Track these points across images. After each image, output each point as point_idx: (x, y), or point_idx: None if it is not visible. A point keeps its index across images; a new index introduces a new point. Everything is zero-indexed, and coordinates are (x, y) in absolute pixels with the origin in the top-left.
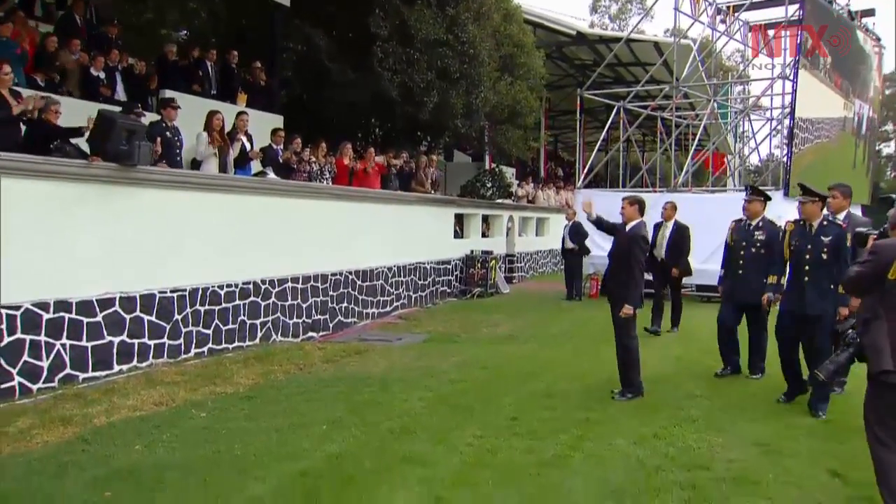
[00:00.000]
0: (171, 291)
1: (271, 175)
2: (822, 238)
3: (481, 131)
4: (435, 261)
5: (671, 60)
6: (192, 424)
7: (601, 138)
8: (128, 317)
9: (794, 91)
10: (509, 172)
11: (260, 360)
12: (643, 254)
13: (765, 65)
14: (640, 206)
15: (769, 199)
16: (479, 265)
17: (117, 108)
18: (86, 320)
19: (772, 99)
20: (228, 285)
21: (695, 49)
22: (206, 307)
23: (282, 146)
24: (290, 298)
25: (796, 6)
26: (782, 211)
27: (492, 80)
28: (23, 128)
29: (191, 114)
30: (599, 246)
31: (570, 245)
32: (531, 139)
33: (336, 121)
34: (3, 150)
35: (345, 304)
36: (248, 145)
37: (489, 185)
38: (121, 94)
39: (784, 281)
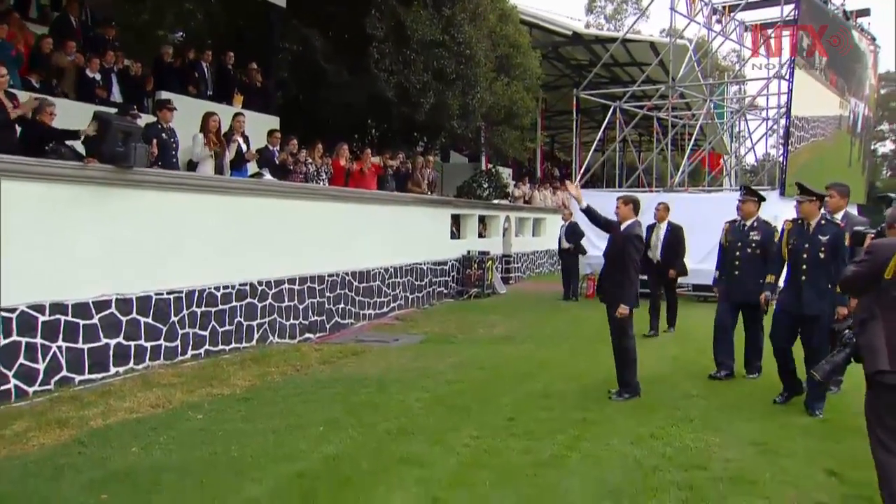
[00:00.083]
0: (168, 293)
1: (267, 176)
2: (820, 237)
3: (478, 132)
4: (432, 261)
5: (667, 60)
6: (189, 426)
7: (597, 138)
8: (124, 319)
9: (790, 90)
10: (506, 173)
11: (257, 362)
12: (638, 253)
13: (762, 65)
14: (635, 205)
15: (763, 199)
16: (475, 266)
17: (113, 110)
18: (82, 322)
19: (767, 98)
20: (225, 287)
21: (691, 49)
22: (203, 309)
23: (278, 147)
24: (286, 300)
25: (792, 6)
26: (779, 210)
27: (488, 80)
28: (17, 129)
29: (187, 115)
30: (595, 246)
31: (566, 245)
32: (528, 140)
33: (332, 122)
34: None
35: (341, 306)
36: (244, 147)
37: (486, 185)
38: (116, 95)
39: (781, 281)
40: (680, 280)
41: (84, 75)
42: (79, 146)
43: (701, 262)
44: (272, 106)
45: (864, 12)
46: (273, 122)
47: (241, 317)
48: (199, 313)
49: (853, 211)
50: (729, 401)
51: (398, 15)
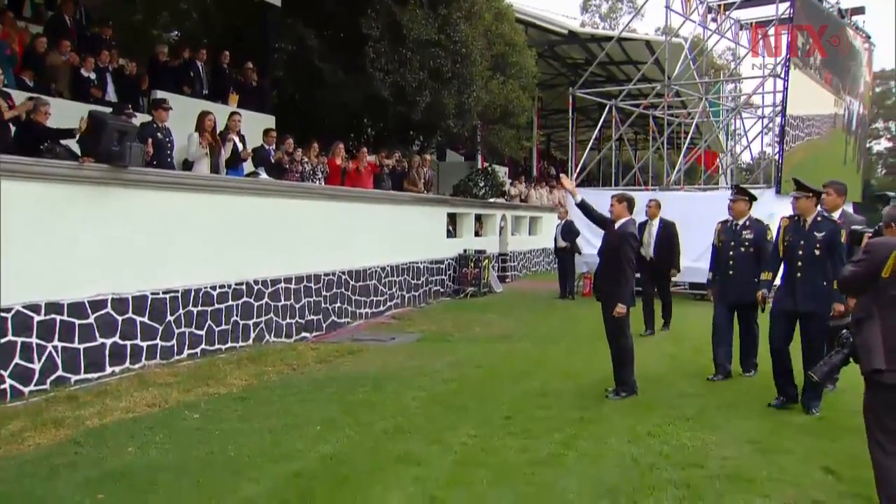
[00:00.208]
0: (164, 292)
1: (263, 175)
2: (816, 234)
3: (474, 131)
4: (428, 260)
5: (663, 59)
6: (185, 426)
7: (593, 137)
8: (120, 318)
9: (786, 89)
10: (502, 172)
11: (253, 361)
12: (633, 252)
13: (761, 64)
14: (629, 203)
15: (754, 198)
16: (472, 264)
17: (108, 110)
18: (77, 322)
19: (763, 97)
20: (221, 286)
21: (686, 47)
22: (199, 308)
23: (274, 146)
24: (283, 299)
25: (787, 4)
26: (774, 209)
27: (484, 79)
28: (12, 129)
29: (182, 115)
30: (592, 244)
31: (562, 244)
32: (524, 138)
33: (328, 121)
34: None
35: (338, 305)
36: (240, 146)
37: (482, 184)
38: (111, 94)
39: (778, 279)
40: (676, 279)
41: (79, 75)
42: (74, 145)
43: (696, 260)
44: (268, 105)
45: (859, 10)
46: (269, 121)
47: (237, 316)
48: (195, 312)
49: (849, 209)
50: (726, 399)
51: (394, 14)
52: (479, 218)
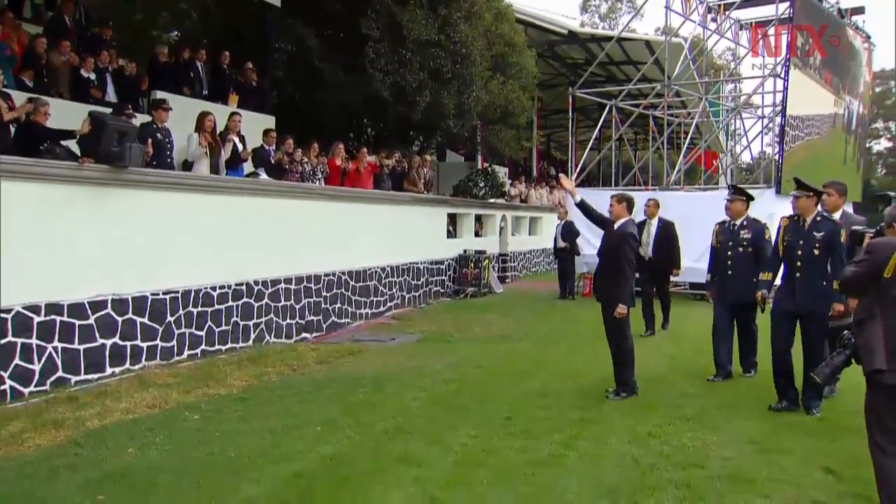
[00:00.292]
0: (164, 293)
1: (263, 176)
2: (815, 233)
3: (474, 131)
4: (428, 261)
5: (663, 59)
6: (186, 427)
7: (593, 137)
8: (120, 319)
9: (786, 89)
10: (502, 172)
11: (253, 362)
12: (633, 252)
13: (761, 64)
14: (629, 203)
15: (751, 198)
16: (472, 265)
17: (108, 110)
18: (77, 323)
19: (763, 97)
20: (221, 287)
21: (686, 47)
22: (199, 309)
23: (274, 147)
24: (283, 299)
25: (787, 4)
26: (774, 208)
27: (483, 79)
28: (12, 129)
29: (182, 115)
30: (592, 245)
31: (562, 244)
32: (524, 138)
33: (328, 121)
34: None
35: (338, 305)
36: (239, 146)
37: (482, 184)
38: (111, 95)
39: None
40: (677, 279)
41: (78, 75)
42: (74, 146)
43: (697, 260)
44: (268, 105)
45: (859, 10)
46: (269, 121)
47: (237, 317)
48: (195, 313)
49: (849, 209)
50: (726, 399)
51: (394, 14)
52: (479, 218)
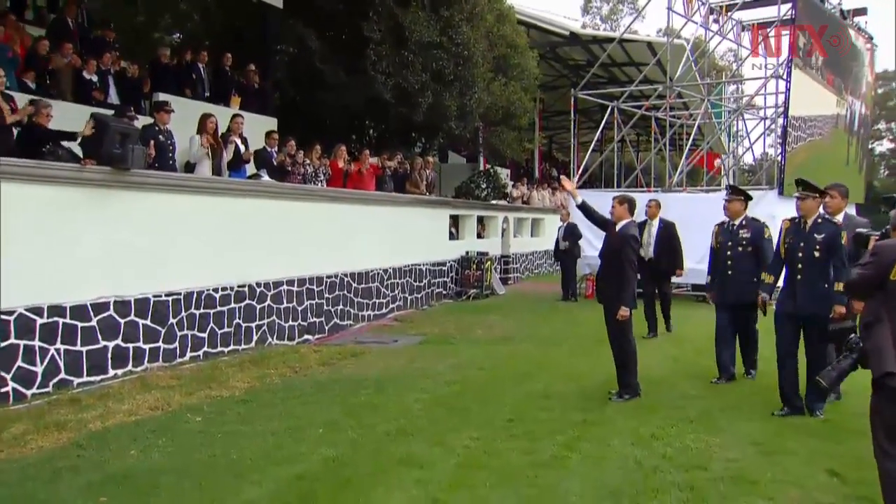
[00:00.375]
0: (166, 295)
1: (265, 178)
2: (816, 235)
3: (476, 132)
4: (430, 262)
5: (665, 60)
6: (188, 429)
7: (595, 138)
8: (122, 321)
9: (788, 90)
10: (504, 173)
11: (255, 364)
12: (635, 254)
13: (761, 65)
14: (630, 205)
15: (750, 198)
16: (474, 266)
17: (110, 112)
18: (80, 325)
19: (765, 98)
20: (223, 288)
21: (688, 49)
22: (202, 311)
23: (276, 148)
24: (285, 301)
25: (789, 5)
26: (777, 210)
27: (485, 81)
28: (14, 131)
29: (184, 117)
30: (594, 247)
31: (564, 246)
32: (525, 140)
33: (330, 123)
34: None
35: (340, 307)
36: (242, 148)
37: (484, 186)
38: (113, 97)
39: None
40: (679, 280)
41: (81, 77)
42: (76, 148)
43: (699, 262)
44: (270, 107)
45: (861, 11)
46: (271, 123)
47: (239, 318)
48: (197, 315)
49: (851, 211)
50: (729, 401)
51: (396, 16)
52: (481, 220)
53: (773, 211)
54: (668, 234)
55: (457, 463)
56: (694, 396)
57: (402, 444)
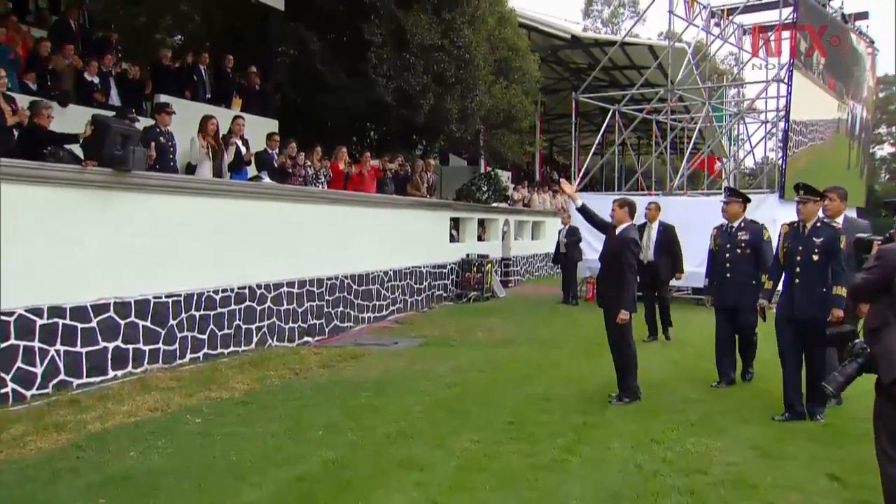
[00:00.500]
0: (166, 296)
1: (266, 179)
2: (815, 239)
3: (477, 135)
4: (431, 265)
5: (666, 64)
6: (188, 430)
7: (596, 142)
8: (122, 322)
9: (789, 94)
10: (505, 176)
11: (255, 365)
12: (635, 257)
13: (761, 65)
14: (630, 208)
15: (748, 200)
16: (475, 269)
17: (111, 113)
18: (80, 326)
19: (766, 102)
20: (224, 290)
21: (689, 52)
22: (202, 312)
23: (277, 150)
24: (285, 303)
25: (790, 9)
26: (778, 214)
27: (487, 83)
28: (15, 133)
29: (185, 119)
30: (594, 249)
31: (564, 249)
32: (526, 143)
33: (331, 125)
34: None
35: (340, 309)
36: (243, 149)
37: (485, 188)
38: (115, 99)
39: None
40: (679, 283)
41: (82, 79)
42: (77, 149)
43: (700, 265)
44: (271, 109)
45: (863, 15)
46: (272, 125)
47: (239, 320)
48: (197, 317)
49: (852, 214)
50: (730, 405)
51: (398, 19)
52: (481, 222)
53: (775, 215)
54: (667, 238)
55: (457, 465)
56: (694, 400)
57: (402, 446)
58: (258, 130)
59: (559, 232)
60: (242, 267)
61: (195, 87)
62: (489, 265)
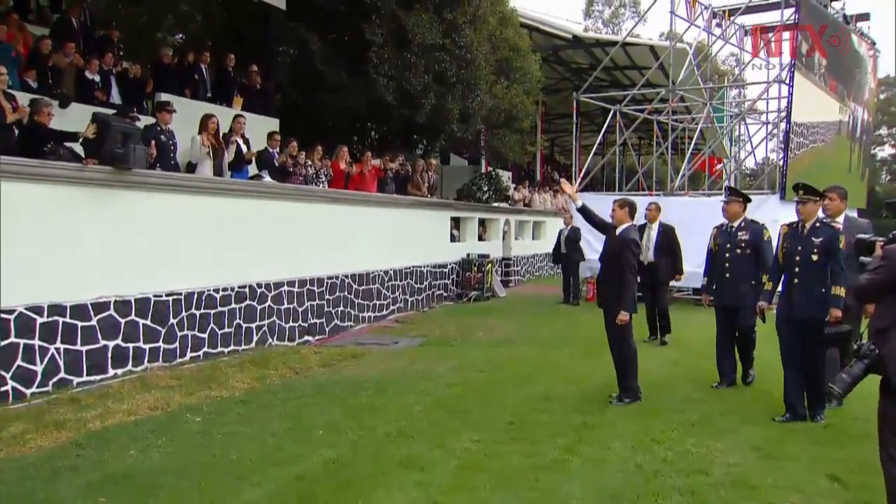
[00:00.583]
0: (167, 295)
1: (267, 178)
2: (814, 239)
3: (477, 135)
4: (431, 264)
5: (667, 64)
6: (188, 429)
7: (597, 142)
8: (123, 321)
9: (790, 95)
10: (505, 176)
11: (256, 365)
12: (635, 258)
13: (762, 65)
14: (631, 208)
15: (748, 200)
16: (475, 269)
17: (112, 112)
18: (80, 324)
19: (767, 103)
20: (224, 289)
21: (691, 53)
22: (202, 311)
23: (277, 149)
24: (285, 302)
25: (792, 10)
26: (778, 215)
27: (488, 83)
28: (15, 131)
29: (185, 118)
30: (594, 249)
31: (565, 249)
32: (527, 143)
33: (332, 124)
34: None
35: (341, 308)
36: (244, 148)
37: (485, 188)
38: (115, 97)
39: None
40: (680, 284)
41: (83, 77)
42: (77, 148)
43: (700, 265)
44: (271, 108)
45: (864, 16)
46: (273, 124)
47: (240, 319)
48: (197, 315)
49: (853, 214)
50: (730, 406)
51: (399, 19)
52: (482, 222)
53: (776, 215)
54: (667, 239)
55: (457, 465)
56: (695, 400)
57: (403, 445)
58: (259, 129)
59: (560, 232)
60: (243, 266)
61: (196, 86)
62: (490, 265)
